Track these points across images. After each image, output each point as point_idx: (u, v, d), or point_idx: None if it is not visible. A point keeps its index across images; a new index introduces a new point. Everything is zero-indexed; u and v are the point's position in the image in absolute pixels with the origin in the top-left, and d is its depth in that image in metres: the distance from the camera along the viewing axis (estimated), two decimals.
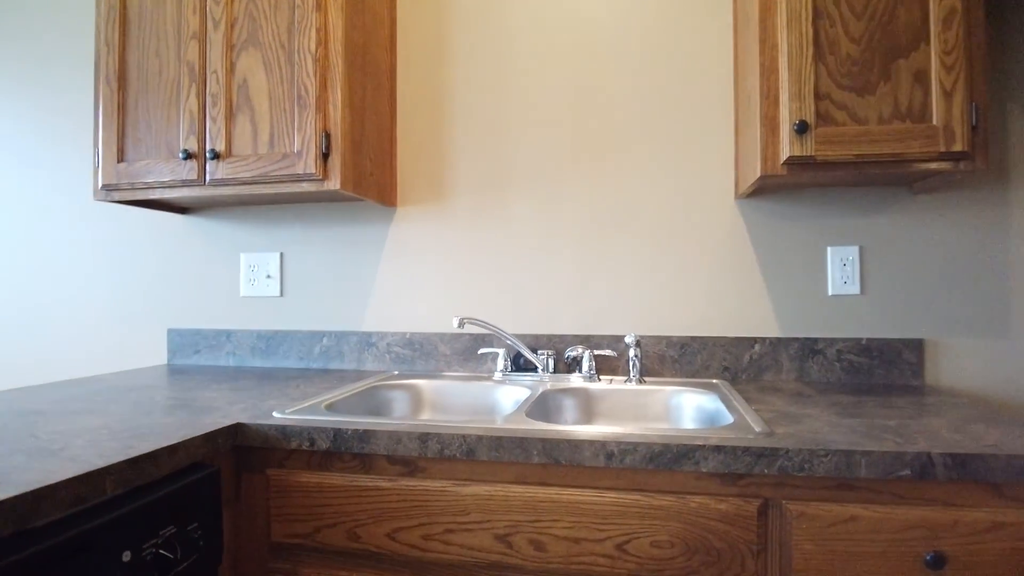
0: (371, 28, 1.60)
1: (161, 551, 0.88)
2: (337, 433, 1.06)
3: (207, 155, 1.46)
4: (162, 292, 1.91)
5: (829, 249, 1.52)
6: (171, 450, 0.94)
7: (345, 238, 1.78)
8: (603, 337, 1.60)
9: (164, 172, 1.50)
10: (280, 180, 1.44)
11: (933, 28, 1.16)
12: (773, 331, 1.54)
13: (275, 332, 1.81)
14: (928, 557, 0.88)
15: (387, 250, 1.76)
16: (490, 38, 1.70)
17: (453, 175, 1.72)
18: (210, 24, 1.47)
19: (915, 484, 0.91)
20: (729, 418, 1.14)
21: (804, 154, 1.19)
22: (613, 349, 1.60)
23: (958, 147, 1.15)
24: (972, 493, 0.90)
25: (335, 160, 1.43)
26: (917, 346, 1.46)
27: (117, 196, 1.56)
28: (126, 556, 0.83)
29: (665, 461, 0.95)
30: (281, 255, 1.83)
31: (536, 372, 1.58)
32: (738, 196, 1.54)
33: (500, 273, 1.69)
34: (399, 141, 1.76)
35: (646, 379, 1.53)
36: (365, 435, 1.05)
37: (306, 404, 1.24)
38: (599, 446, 0.97)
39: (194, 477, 0.97)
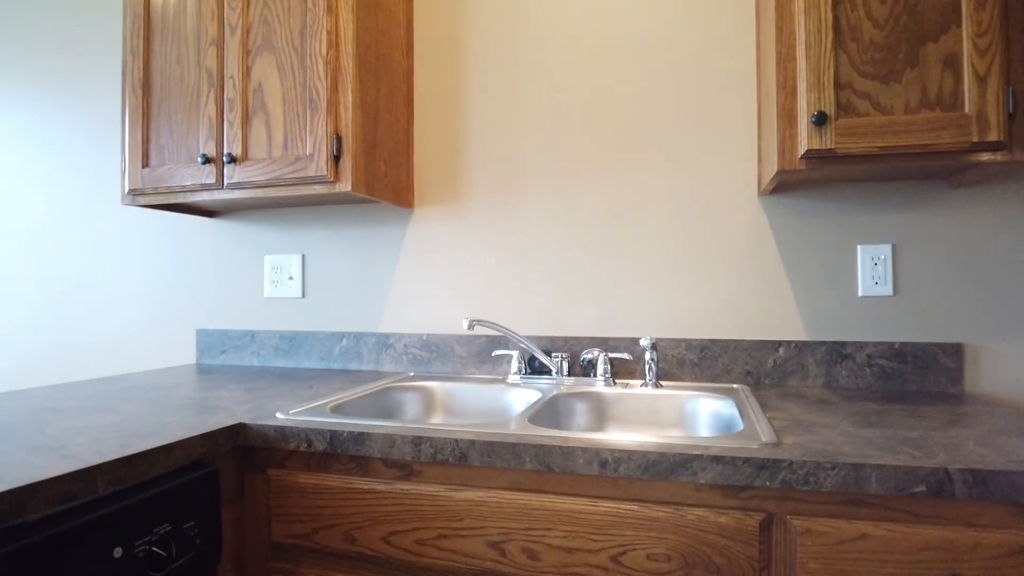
0: (386, 30, 1.60)
1: (154, 548, 0.90)
2: (334, 435, 1.06)
3: (224, 159, 1.49)
4: (192, 293, 1.97)
5: (859, 247, 1.43)
6: (167, 449, 0.95)
7: (364, 239, 1.79)
8: (620, 339, 1.56)
9: (185, 176, 1.54)
10: (293, 183, 1.46)
11: (965, 8, 1.07)
12: (799, 334, 1.46)
13: (296, 332, 1.83)
14: None
15: (404, 251, 1.76)
16: (506, 37, 1.68)
17: (469, 176, 1.70)
18: (227, 30, 1.50)
19: (933, 502, 0.84)
20: (741, 425, 1.09)
21: (823, 147, 1.12)
22: (630, 352, 1.55)
23: (993, 136, 1.06)
24: (996, 513, 0.82)
25: (346, 162, 1.44)
26: (956, 351, 1.36)
27: (143, 200, 1.61)
28: (117, 552, 0.85)
29: (661, 471, 0.91)
30: (303, 257, 1.85)
31: (552, 375, 1.55)
32: (761, 193, 1.47)
33: (515, 273, 1.66)
34: (416, 142, 1.75)
35: (663, 383, 1.48)
36: (360, 438, 1.04)
37: (310, 405, 1.25)
38: (592, 454, 0.93)
39: (191, 476, 0.98)
